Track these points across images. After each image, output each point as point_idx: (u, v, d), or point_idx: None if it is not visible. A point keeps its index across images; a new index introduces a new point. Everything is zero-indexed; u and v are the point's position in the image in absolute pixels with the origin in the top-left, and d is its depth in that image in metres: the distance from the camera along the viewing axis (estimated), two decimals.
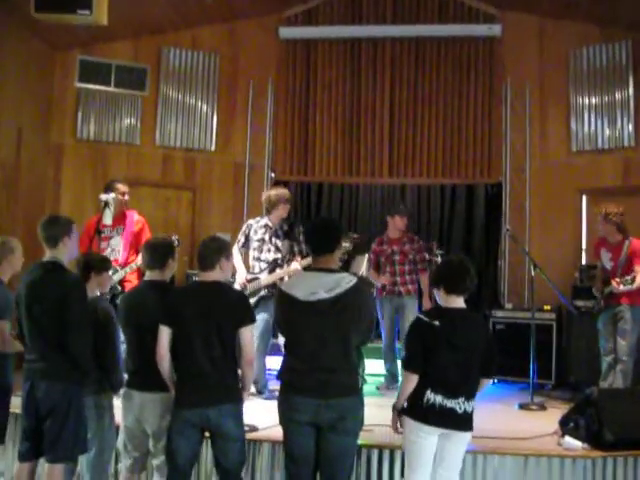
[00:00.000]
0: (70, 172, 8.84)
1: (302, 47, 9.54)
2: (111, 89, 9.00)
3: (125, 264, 6.12)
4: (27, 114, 8.31)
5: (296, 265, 6.05)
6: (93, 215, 6.61)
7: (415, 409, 3.67)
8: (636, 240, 6.22)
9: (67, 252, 4.03)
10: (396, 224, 7.04)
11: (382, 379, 7.29)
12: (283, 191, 6.57)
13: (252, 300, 6.00)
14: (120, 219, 6.28)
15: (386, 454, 4.55)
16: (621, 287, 5.97)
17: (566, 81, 8.79)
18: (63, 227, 4.03)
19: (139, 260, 5.80)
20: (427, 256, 7.10)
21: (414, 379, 3.66)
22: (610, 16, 8.29)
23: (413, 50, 9.34)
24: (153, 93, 9.21)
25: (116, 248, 6.18)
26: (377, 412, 4.61)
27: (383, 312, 7.04)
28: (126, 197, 6.39)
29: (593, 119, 8.54)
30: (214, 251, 3.86)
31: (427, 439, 3.63)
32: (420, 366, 3.64)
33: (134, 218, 6.39)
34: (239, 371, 3.82)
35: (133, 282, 6.00)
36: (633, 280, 5.96)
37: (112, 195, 5.99)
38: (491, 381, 3.85)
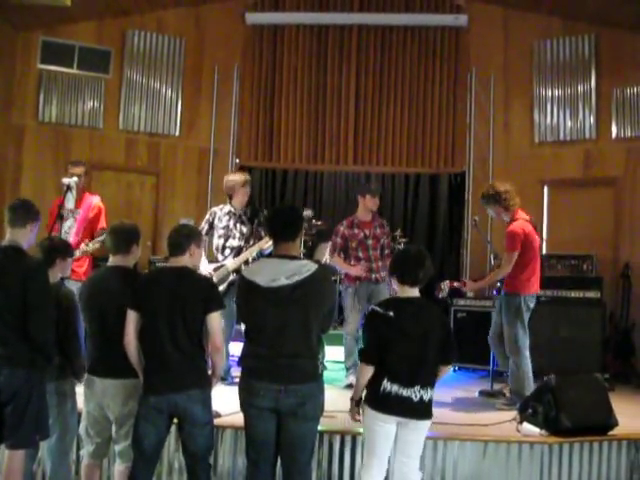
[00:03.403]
0: (31, 154, 8.71)
1: (268, 33, 9.52)
2: (74, 71, 8.89)
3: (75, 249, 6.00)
4: None
5: (266, 239, 5.90)
6: (55, 198, 6.49)
7: (372, 398, 3.71)
8: (515, 223, 5.73)
9: (29, 238, 3.99)
10: (367, 204, 6.49)
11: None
12: (239, 176, 6.42)
13: (221, 287, 5.95)
14: (78, 202, 6.17)
15: (348, 440, 4.58)
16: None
17: (530, 73, 8.93)
18: (34, 214, 3.99)
19: (90, 247, 5.74)
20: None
21: (369, 370, 3.70)
22: (574, 10, 8.43)
23: (379, 38, 9.37)
24: (117, 76, 9.11)
25: (69, 232, 6.05)
26: (339, 399, 4.65)
27: (350, 302, 6.53)
28: (82, 179, 6.17)
29: (556, 111, 8.68)
30: (185, 237, 3.84)
31: (385, 427, 3.67)
32: (375, 358, 3.68)
33: (92, 203, 6.24)
34: (208, 357, 3.83)
35: (82, 268, 5.95)
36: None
37: (74, 179, 5.91)
38: (451, 368, 3.88)
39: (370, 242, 6.50)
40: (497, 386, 6.48)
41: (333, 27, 9.40)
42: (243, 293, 3.71)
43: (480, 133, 9.13)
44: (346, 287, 6.62)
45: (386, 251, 6.65)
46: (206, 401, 3.77)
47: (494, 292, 6.23)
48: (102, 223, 6.25)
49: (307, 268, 3.54)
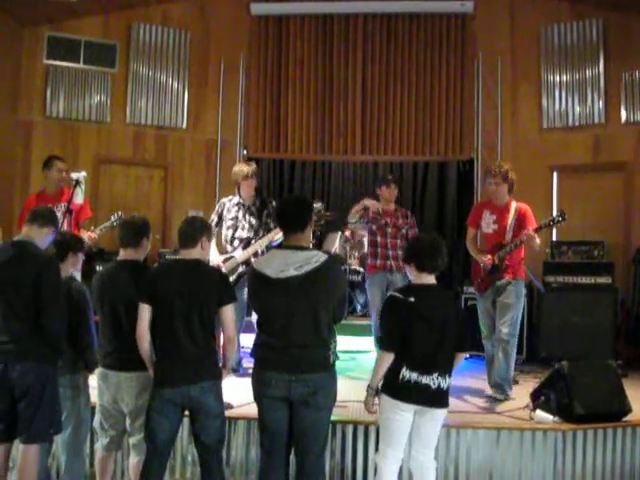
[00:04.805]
0: (39, 150, 8.67)
1: (274, 23, 9.47)
2: (80, 66, 8.88)
3: None
4: None
5: (275, 231, 5.92)
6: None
7: (391, 386, 3.70)
8: (521, 202, 5.79)
9: (43, 241, 4.03)
10: (383, 195, 6.66)
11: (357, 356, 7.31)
12: (243, 167, 6.34)
13: (231, 279, 5.96)
14: (59, 196, 6.17)
15: (361, 430, 4.59)
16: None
17: (537, 58, 8.86)
18: (54, 221, 4.15)
19: (85, 238, 5.74)
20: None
21: (389, 358, 3.70)
22: None
23: (385, 26, 9.31)
24: (123, 70, 9.10)
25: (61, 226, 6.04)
26: (351, 389, 4.66)
27: (374, 289, 6.58)
28: (64, 174, 6.25)
29: (564, 96, 8.62)
30: (197, 229, 3.84)
31: (403, 416, 3.68)
32: (395, 345, 3.68)
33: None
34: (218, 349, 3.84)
35: None
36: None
37: (83, 173, 5.92)
38: (466, 355, 3.88)
39: (390, 230, 6.61)
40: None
41: (338, 16, 9.34)
42: (253, 285, 3.72)
43: (488, 120, 9.08)
44: (367, 277, 6.77)
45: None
46: (218, 392, 3.79)
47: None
48: (88, 214, 6.33)
49: (316, 259, 3.54)
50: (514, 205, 5.73)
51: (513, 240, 5.59)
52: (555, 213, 5.50)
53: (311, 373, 3.53)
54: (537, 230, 5.49)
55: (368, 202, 6.55)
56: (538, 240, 5.52)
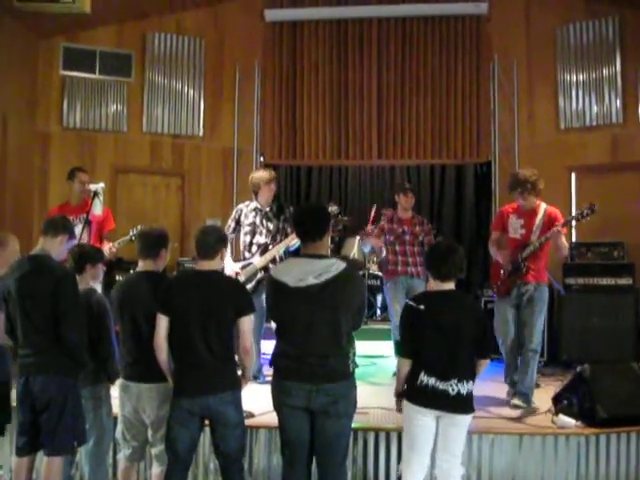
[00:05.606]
0: (57, 160, 8.76)
1: (288, 29, 9.47)
2: (96, 76, 8.93)
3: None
4: (12, 103, 8.22)
5: (292, 236, 5.89)
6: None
7: (411, 391, 3.74)
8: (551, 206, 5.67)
9: (59, 251, 4.05)
10: (401, 202, 6.79)
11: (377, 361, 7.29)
12: (265, 173, 6.40)
13: (250, 285, 5.98)
14: (83, 207, 6.19)
15: (382, 437, 4.58)
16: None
17: (553, 58, 8.79)
18: (67, 228, 4.15)
19: (106, 250, 5.77)
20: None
21: (406, 363, 3.76)
22: None
23: (400, 30, 9.28)
24: (139, 79, 9.15)
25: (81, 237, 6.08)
26: (372, 395, 4.65)
27: (394, 293, 6.63)
28: (85, 186, 6.27)
29: (581, 96, 8.55)
30: (216, 240, 3.84)
31: (423, 421, 3.68)
32: (410, 351, 3.74)
33: None
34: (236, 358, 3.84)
35: None
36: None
37: (101, 185, 5.96)
38: (488, 361, 3.87)
39: (408, 237, 6.71)
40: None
41: (352, 21, 9.33)
42: (272, 293, 3.72)
43: (505, 121, 9.04)
44: (386, 282, 6.83)
45: (426, 248, 6.68)
46: (237, 402, 3.78)
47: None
48: (111, 224, 6.38)
49: (335, 267, 3.53)
50: (543, 207, 5.60)
51: (538, 238, 5.45)
52: (585, 206, 5.38)
53: (331, 382, 3.52)
54: (565, 224, 5.43)
55: (374, 241, 6.72)
56: (565, 241, 5.44)
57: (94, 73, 8.92)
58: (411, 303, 3.81)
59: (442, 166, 9.49)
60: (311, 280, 3.50)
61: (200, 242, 3.83)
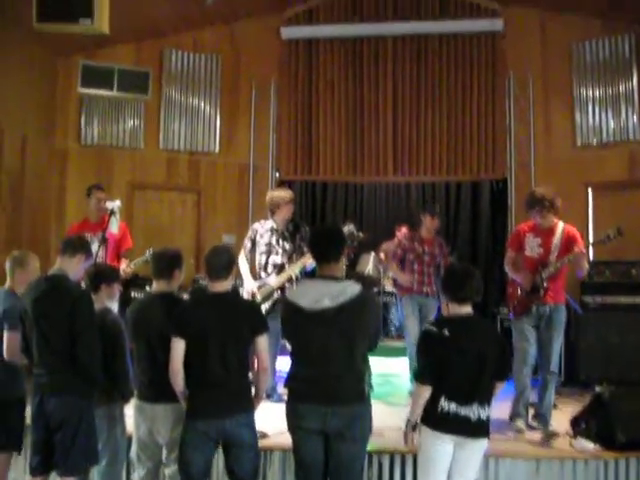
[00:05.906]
0: (75, 177, 8.83)
1: (304, 46, 9.51)
2: (114, 93, 8.99)
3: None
4: (31, 120, 8.31)
5: (308, 255, 5.88)
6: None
7: (430, 417, 3.65)
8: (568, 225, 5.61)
9: (76, 270, 4.06)
10: (426, 224, 6.85)
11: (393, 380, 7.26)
12: (285, 192, 6.44)
13: (266, 305, 5.98)
14: (101, 224, 6.20)
15: (397, 459, 4.54)
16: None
17: (569, 74, 8.77)
18: (85, 248, 4.17)
19: (132, 269, 5.77)
20: None
21: (426, 391, 3.65)
22: (612, 9, 8.25)
23: (415, 47, 9.29)
24: (156, 96, 9.21)
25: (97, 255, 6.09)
26: (387, 415, 4.61)
27: (408, 310, 6.74)
28: (102, 203, 6.32)
29: (597, 112, 8.52)
30: (227, 262, 3.83)
31: (443, 447, 3.62)
32: (431, 378, 3.64)
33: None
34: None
35: None
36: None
37: (117, 203, 5.99)
38: (504, 384, 3.82)
39: (427, 258, 6.82)
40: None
41: (368, 39, 9.34)
42: (287, 316, 3.71)
43: (520, 138, 9.00)
44: (400, 298, 7.02)
45: (442, 270, 6.79)
46: (252, 424, 3.77)
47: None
48: (128, 242, 6.40)
49: (351, 289, 3.52)
50: (560, 226, 5.53)
51: (558, 259, 5.41)
52: (611, 229, 5.34)
53: (346, 405, 3.50)
54: (593, 246, 5.38)
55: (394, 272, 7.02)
56: (586, 262, 5.39)
57: (112, 90, 8.98)
58: (432, 329, 3.71)
59: (458, 183, 9.46)
60: (326, 302, 3.48)
61: (211, 264, 3.81)
